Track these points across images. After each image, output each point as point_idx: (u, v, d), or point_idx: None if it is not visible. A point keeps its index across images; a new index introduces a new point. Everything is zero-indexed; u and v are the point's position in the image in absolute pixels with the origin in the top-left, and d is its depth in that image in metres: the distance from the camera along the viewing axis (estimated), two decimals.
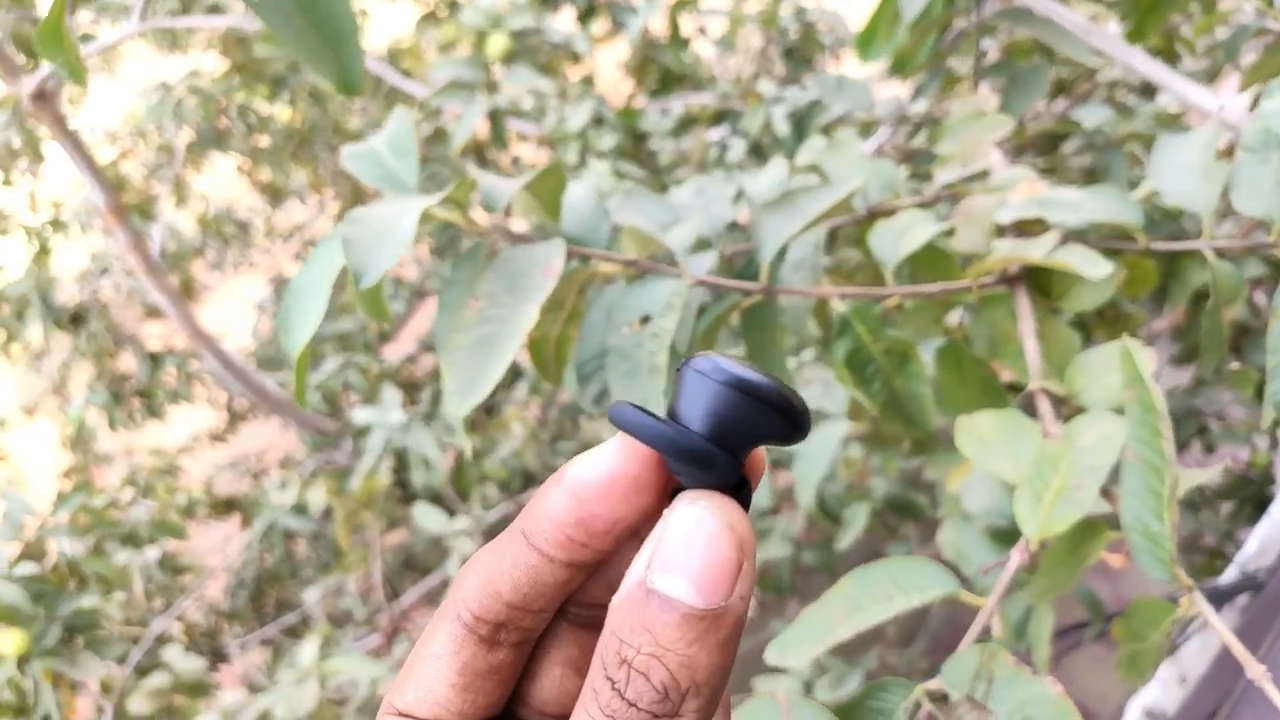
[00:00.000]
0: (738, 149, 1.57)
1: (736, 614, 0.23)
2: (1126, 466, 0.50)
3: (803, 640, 0.57)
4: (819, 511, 1.46)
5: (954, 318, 0.75)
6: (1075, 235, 0.68)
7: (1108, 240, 0.67)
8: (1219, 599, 1.03)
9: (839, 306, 0.59)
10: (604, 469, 0.25)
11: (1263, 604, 0.88)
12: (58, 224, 2.56)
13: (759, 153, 1.58)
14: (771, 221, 0.60)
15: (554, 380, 0.66)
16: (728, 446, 0.24)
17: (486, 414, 2.16)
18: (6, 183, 2.43)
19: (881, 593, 0.55)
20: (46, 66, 1.90)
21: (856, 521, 1.26)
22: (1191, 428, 1.55)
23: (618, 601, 0.23)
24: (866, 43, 1.04)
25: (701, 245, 0.67)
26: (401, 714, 0.26)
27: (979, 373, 0.67)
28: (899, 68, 1.06)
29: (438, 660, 0.26)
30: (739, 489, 0.25)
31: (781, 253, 0.67)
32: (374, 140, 0.60)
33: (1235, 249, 0.59)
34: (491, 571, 0.26)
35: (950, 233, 0.65)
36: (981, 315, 0.66)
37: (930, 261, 0.66)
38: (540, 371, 0.66)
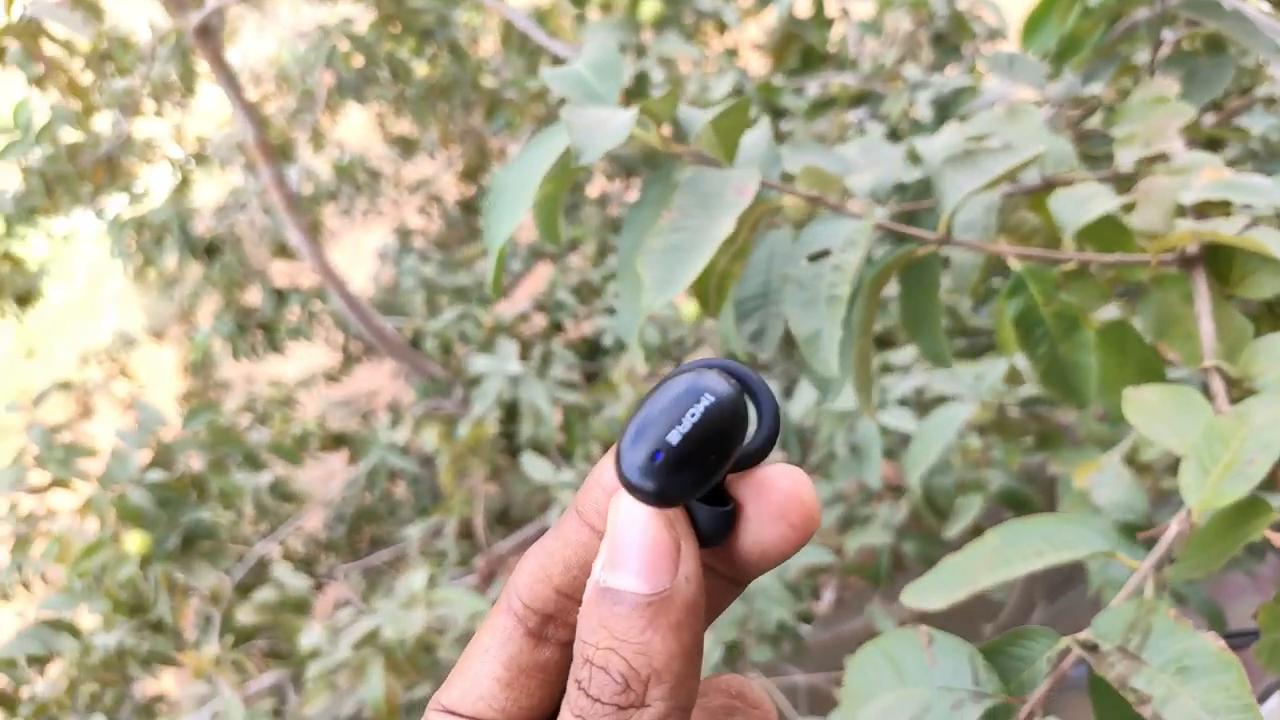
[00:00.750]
0: (876, 133, 1.56)
1: (684, 596, 0.23)
2: None
3: (942, 585, 0.58)
4: (924, 501, 1.45)
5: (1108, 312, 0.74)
6: (1260, 222, 0.67)
7: None
8: None
9: (1015, 265, 0.59)
10: None
11: None
12: (200, 158, 2.68)
13: (897, 137, 1.57)
14: (955, 175, 0.61)
15: (713, 312, 0.68)
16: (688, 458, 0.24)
17: (588, 380, 2.20)
18: (159, 114, 2.56)
19: (1030, 548, 0.56)
20: (210, 3, 1.99)
21: (967, 512, 1.25)
22: None
23: (582, 608, 0.24)
24: (1034, 28, 1.02)
25: (876, 196, 0.68)
26: (447, 710, 0.26)
27: (1142, 353, 0.66)
28: (1063, 56, 1.04)
29: (485, 653, 0.26)
30: (719, 501, 0.25)
31: (953, 213, 0.68)
32: (576, 63, 0.62)
33: None
34: (544, 556, 0.26)
35: (1129, 208, 0.65)
36: (1152, 295, 0.65)
37: (1106, 235, 0.65)
38: (700, 303, 0.68)
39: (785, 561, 0.26)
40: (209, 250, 2.59)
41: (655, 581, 0.23)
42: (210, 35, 1.97)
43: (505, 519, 2.31)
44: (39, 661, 1.64)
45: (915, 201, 0.72)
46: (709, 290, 0.67)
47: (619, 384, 1.85)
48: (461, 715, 0.26)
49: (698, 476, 0.23)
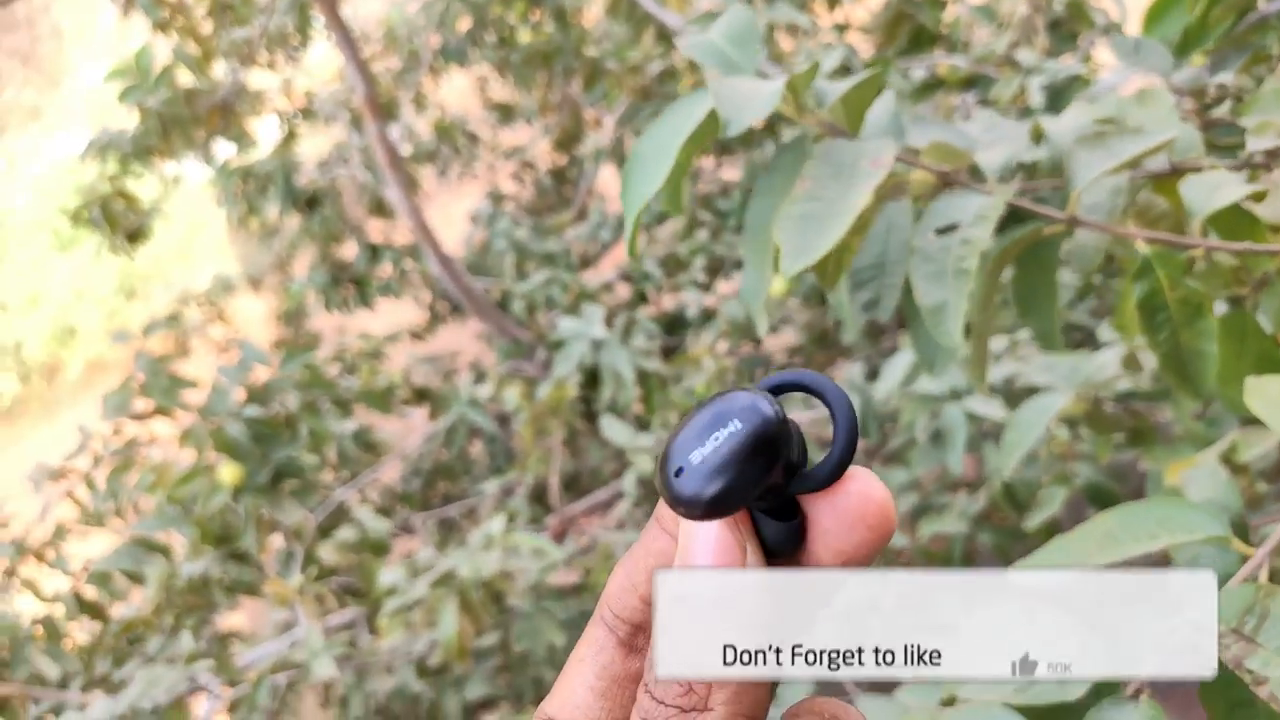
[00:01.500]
0: (984, 118, 1.54)
1: None
2: None
3: (1051, 564, 0.58)
4: (1003, 494, 1.44)
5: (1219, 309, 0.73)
6: None
7: None
8: None
9: (1142, 248, 0.59)
10: None
11: None
12: (308, 112, 2.75)
13: None
14: (1086, 154, 0.61)
15: (830, 285, 0.69)
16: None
17: (665, 356, 2.21)
18: (271, 67, 2.63)
19: (1144, 531, 0.56)
20: None
21: (1051, 503, 1.24)
22: None
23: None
24: (1158, 16, 1.00)
25: (1005, 172, 0.68)
26: (550, 718, 0.27)
27: (1262, 345, 0.66)
28: (1192, 43, 1.02)
29: (580, 663, 0.27)
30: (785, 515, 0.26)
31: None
32: (711, 32, 0.64)
33: None
34: (630, 566, 0.27)
35: (1259, 198, 0.64)
36: (1276, 287, 0.65)
37: (1234, 224, 0.64)
38: (819, 276, 0.68)
39: None
40: (310, 203, 2.67)
41: None
42: None
43: (574, 486, 2.35)
44: (132, 578, 1.72)
45: (1040, 180, 0.72)
46: (828, 264, 0.68)
47: (701, 356, 1.87)
48: None
49: (728, 496, 0.24)
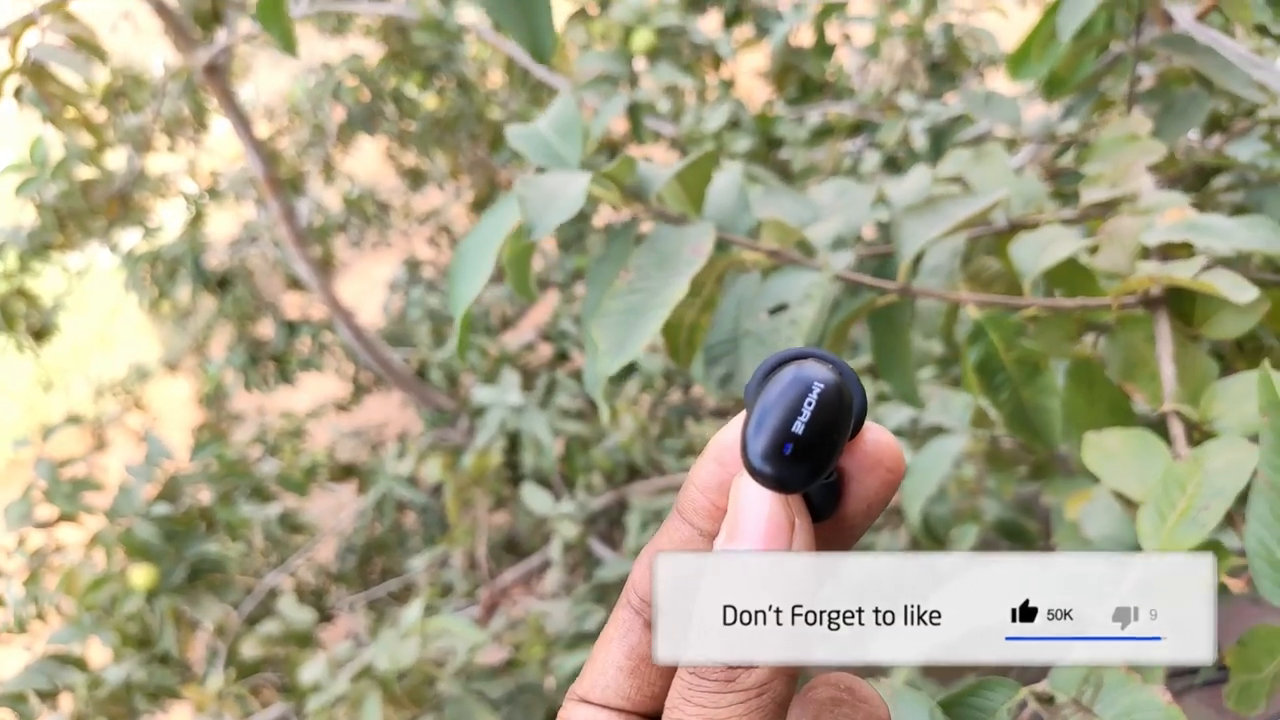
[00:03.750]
0: (871, 161, 1.57)
1: None
2: (1256, 492, 0.49)
3: None
4: (923, 530, 1.44)
5: (1088, 340, 0.74)
6: (1223, 264, 0.67)
7: (1256, 272, 0.65)
8: None
9: (974, 313, 0.60)
10: (737, 431, 0.27)
11: None
12: (214, 192, 2.72)
13: (894, 165, 1.57)
14: (913, 224, 0.61)
15: (684, 363, 0.68)
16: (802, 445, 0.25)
17: (594, 409, 2.20)
18: (172, 150, 2.60)
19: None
20: (219, 42, 2.03)
21: (964, 542, 1.25)
22: None
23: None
24: (1019, 62, 1.03)
25: (839, 244, 0.69)
26: (581, 699, 0.28)
27: (1110, 393, 0.66)
28: (1051, 88, 1.05)
29: (609, 644, 0.28)
30: (828, 475, 0.26)
31: (919, 257, 0.68)
32: (539, 122, 0.64)
33: None
34: (654, 553, 0.27)
35: (1093, 250, 0.65)
36: (1117, 336, 0.66)
37: (1070, 278, 0.66)
38: (672, 354, 0.68)
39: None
40: (221, 283, 2.63)
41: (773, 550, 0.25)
42: (219, 73, 2.00)
43: (514, 548, 2.32)
44: (47, 696, 1.65)
45: (885, 246, 0.72)
46: (679, 343, 0.68)
47: (621, 412, 1.86)
48: (592, 703, 0.28)
49: (819, 464, 0.25)
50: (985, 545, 1.34)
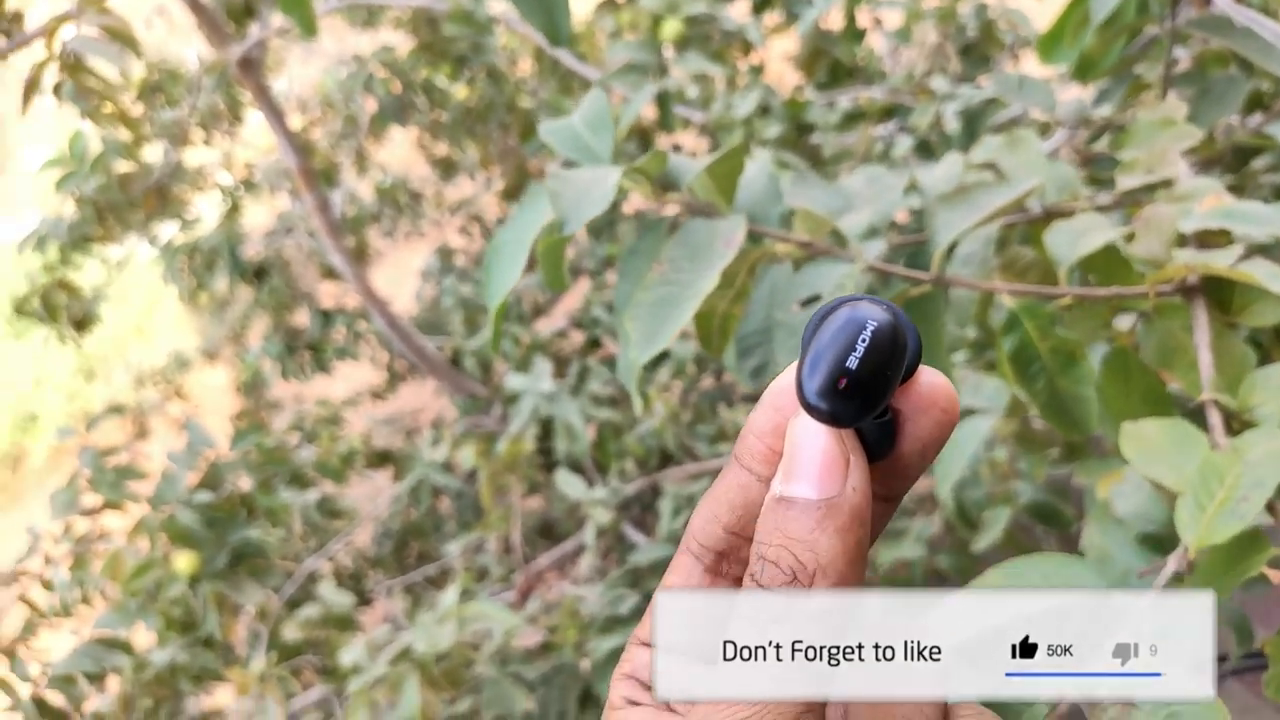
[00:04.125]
0: (903, 145, 1.56)
1: (851, 504, 0.26)
2: None
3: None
4: (956, 514, 1.44)
5: (1124, 323, 0.74)
6: (1261, 250, 0.66)
7: None
8: None
9: (1008, 302, 0.60)
10: (791, 378, 0.28)
11: None
12: (249, 184, 2.75)
13: (926, 150, 1.56)
14: (946, 213, 0.61)
15: (716, 353, 0.69)
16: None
17: (626, 395, 2.21)
18: (207, 143, 2.63)
19: (1030, 586, 0.56)
20: (252, 36, 2.05)
21: (996, 524, 1.25)
22: None
23: (760, 518, 0.27)
24: (1051, 45, 1.02)
25: (871, 233, 0.69)
26: (641, 642, 0.30)
27: (1146, 381, 0.66)
28: (1083, 72, 1.04)
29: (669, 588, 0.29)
30: (882, 414, 0.27)
31: (952, 246, 0.68)
32: (572, 117, 0.64)
33: None
34: (712, 500, 0.29)
35: (1129, 238, 0.65)
36: (1154, 324, 0.65)
37: (1106, 265, 0.65)
38: (704, 344, 0.69)
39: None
40: (258, 274, 2.66)
41: (826, 488, 0.26)
42: (252, 67, 2.02)
43: (549, 532, 2.34)
44: (95, 679, 1.69)
45: (918, 234, 0.72)
46: (712, 332, 0.68)
47: (653, 399, 1.87)
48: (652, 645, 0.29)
49: (872, 399, 0.26)
50: (1018, 528, 1.33)
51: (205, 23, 1.99)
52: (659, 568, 1.65)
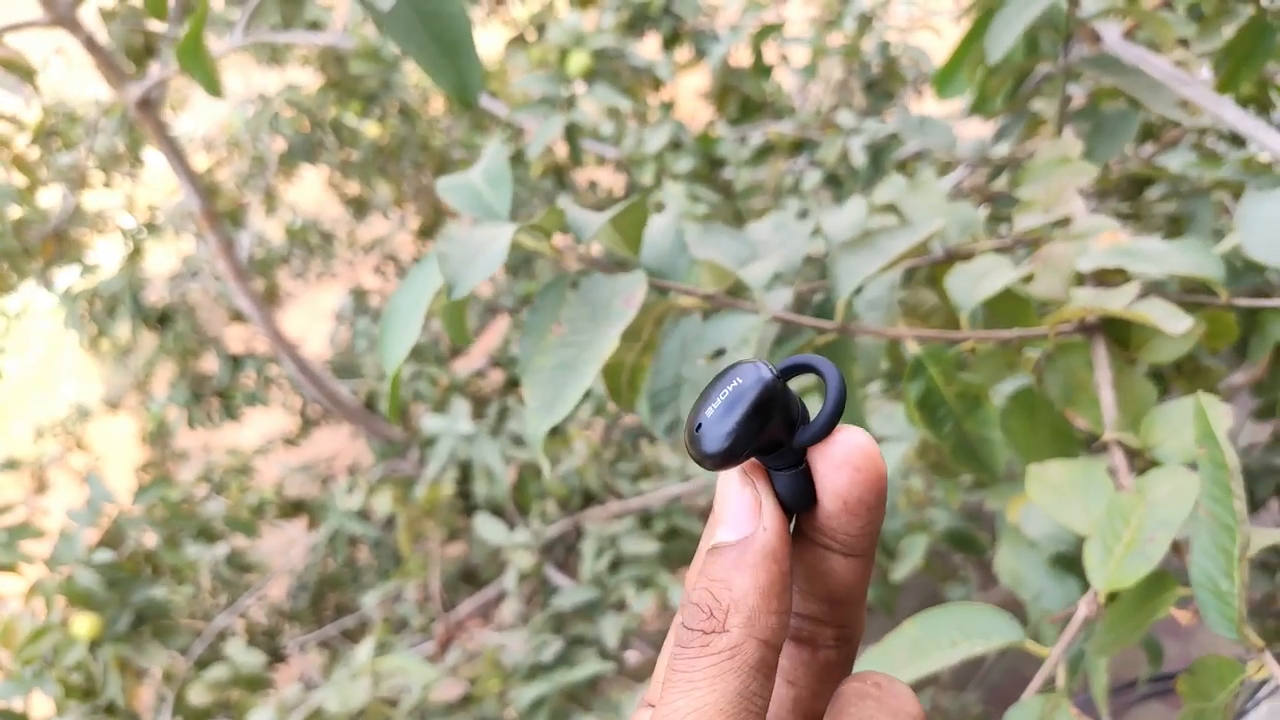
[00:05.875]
0: (813, 179, 1.58)
1: (761, 541, 0.27)
2: (1198, 523, 0.49)
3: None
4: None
5: (1030, 362, 0.75)
6: (1156, 286, 0.67)
7: (1189, 293, 0.66)
8: None
9: (913, 348, 0.60)
10: None
11: None
12: (152, 227, 2.66)
13: (835, 182, 1.58)
14: (848, 261, 0.61)
15: (627, 407, 0.67)
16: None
17: (551, 431, 2.18)
18: (108, 185, 2.54)
19: (946, 638, 0.55)
20: (152, 76, 1.99)
21: (913, 553, 1.25)
22: (1270, 485, 1.51)
23: (690, 569, 0.29)
24: (945, 82, 1.04)
25: (778, 281, 0.68)
26: (647, 703, 0.31)
27: (1051, 419, 0.67)
28: (979, 108, 1.06)
29: (666, 650, 0.30)
30: (792, 465, 0.29)
31: (857, 291, 0.68)
32: (471, 172, 0.62)
33: None
34: (697, 557, 0.30)
35: (1028, 279, 0.65)
36: (1057, 363, 0.66)
37: (1007, 307, 0.66)
38: (614, 398, 0.67)
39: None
40: (162, 319, 2.57)
41: (738, 529, 0.28)
42: (152, 107, 1.96)
43: (472, 578, 2.29)
44: None
45: (825, 278, 0.72)
46: (620, 385, 0.66)
47: (573, 438, 1.85)
48: (655, 706, 0.29)
49: (731, 443, 0.27)
50: (935, 556, 1.34)
51: (103, 63, 1.92)
52: (583, 612, 1.62)
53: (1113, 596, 0.53)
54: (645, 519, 1.79)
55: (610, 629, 1.58)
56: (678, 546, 1.80)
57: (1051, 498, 0.57)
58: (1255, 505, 1.57)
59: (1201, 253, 0.61)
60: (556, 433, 2.09)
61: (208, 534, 1.93)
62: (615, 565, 1.66)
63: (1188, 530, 0.51)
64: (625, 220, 0.64)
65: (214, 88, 0.81)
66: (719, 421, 0.28)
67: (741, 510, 0.28)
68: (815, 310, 0.71)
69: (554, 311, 0.57)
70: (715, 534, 0.28)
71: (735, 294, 0.65)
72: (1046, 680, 0.52)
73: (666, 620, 1.76)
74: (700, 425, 0.28)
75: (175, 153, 1.96)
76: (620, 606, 1.63)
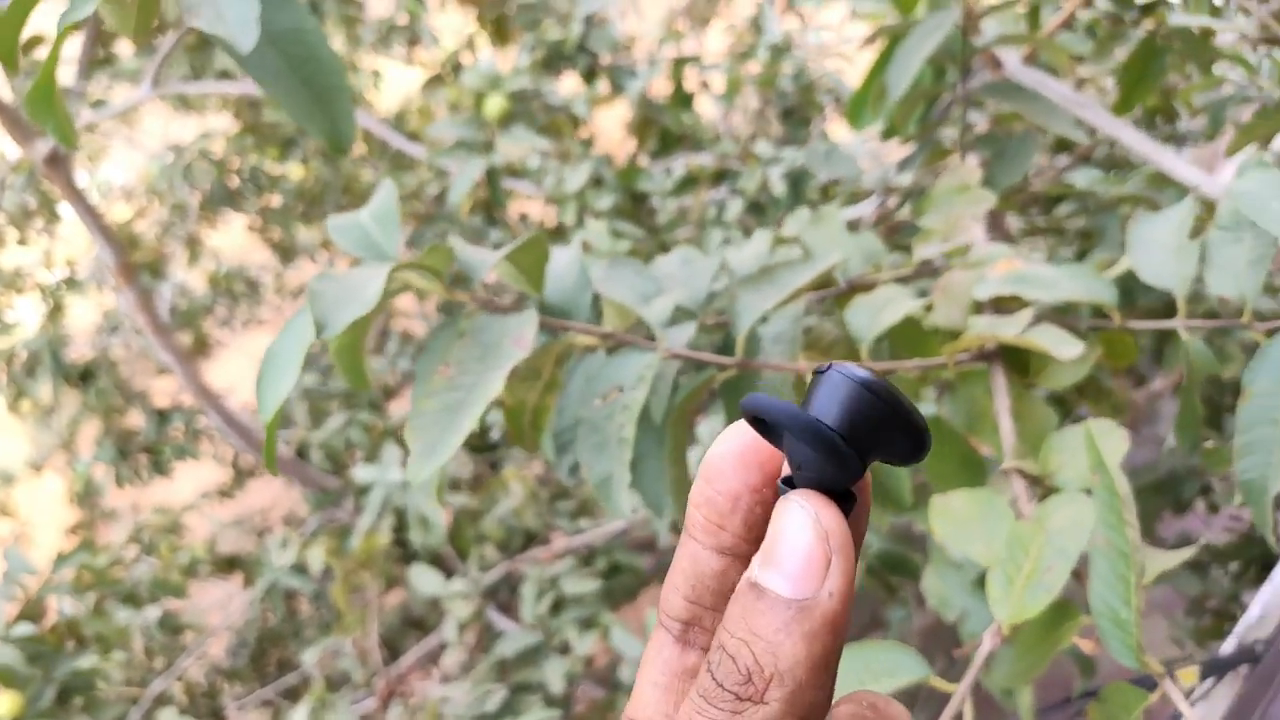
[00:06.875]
0: (735, 208, 1.58)
1: (825, 608, 0.24)
2: (1095, 551, 0.49)
3: None
4: None
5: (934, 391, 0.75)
6: (1052, 311, 0.68)
7: (1086, 319, 0.67)
8: (1220, 668, 1.01)
9: None
10: (720, 447, 0.28)
11: (1256, 679, 0.86)
12: (71, 282, 2.59)
13: (758, 210, 1.59)
14: (748, 296, 0.60)
15: (531, 448, 0.66)
16: (852, 444, 0.25)
17: (492, 469, 2.15)
18: (22, 242, 2.48)
19: (854, 678, 0.54)
20: None
21: None
22: (1195, 487, 1.54)
23: (733, 597, 0.25)
24: (856, 113, 1.05)
25: (682, 316, 0.67)
26: (629, 717, 0.29)
27: (958, 448, 0.67)
28: (892, 134, 1.07)
29: (647, 664, 0.29)
30: (845, 498, 0.26)
31: (762, 321, 0.68)
32: (361, 212, 0.61)
33: (1209, 328, 0.59)
34: (673, 571, 0.29)
35: (929, 308, 0.65)
36: (958, 391, 0.66)
37: (908, 337, 0.66)
38: (516, 440, 0.66)
39: None
40: (84, 376, 2.50)
41: (801, 588, 0.24)
42: (60, 163, 1.91)
43: (420, 624, 2.24)
44: None
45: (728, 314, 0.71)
46: (523, 427, 0.65)
47: (509, 480, 1.82)
48: None
49: (861, 460, 0.25)
50: (869, 574, 1.33)
51: (8, 120, 1.87)
52: (527, 657, 1.59)
53: (1018, 627, 0.53)
54: (586, 557, 1.76)
55: (555, 673, 1.55)
56: (620, 583, 1.78)
57: (954, 529, 0.56)
58: (1181, 507, 1.60)
59: (1092, 278, 0.62)
60: (496, 469, 2.07)
61: (134, 599, 1.87)
62: (557, 606, 1.63)
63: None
64: (524, 257, 0.63)
65: (68, 139, 0.78)
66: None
67: (810, 564, 0.24)
68: (723, 344, 0.71)
69: (445, 354, 0.56)
70: (765, 573, 0.25)
71: (637, 331, 0.64)
72: (955, 716, 0.51)
73: (614, 656, 1.73)
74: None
75: (86, 207, 1.92)
76: (564, 649, 1.60)
